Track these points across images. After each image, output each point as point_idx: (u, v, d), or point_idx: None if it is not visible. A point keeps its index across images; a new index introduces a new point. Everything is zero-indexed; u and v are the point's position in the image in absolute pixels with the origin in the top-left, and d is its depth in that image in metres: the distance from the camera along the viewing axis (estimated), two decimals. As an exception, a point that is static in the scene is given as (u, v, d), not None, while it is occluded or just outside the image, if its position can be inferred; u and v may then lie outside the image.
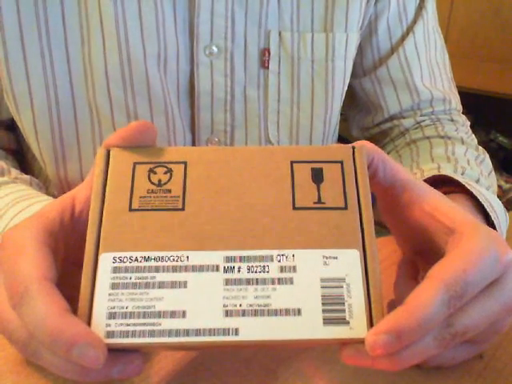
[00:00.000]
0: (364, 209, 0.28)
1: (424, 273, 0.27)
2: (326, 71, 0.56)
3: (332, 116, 0.60)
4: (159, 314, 0.26)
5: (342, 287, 0.26)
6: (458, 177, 0.45)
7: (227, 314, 0.26)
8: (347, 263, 0.27)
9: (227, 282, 0.26)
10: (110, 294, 0.26)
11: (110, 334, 0.25)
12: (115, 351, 0.25)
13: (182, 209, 0.28)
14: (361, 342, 0.25)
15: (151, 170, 0.29)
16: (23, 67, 0.48)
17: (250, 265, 0.27)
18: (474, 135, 0.61)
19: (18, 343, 0.27)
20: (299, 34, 0.54)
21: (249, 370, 0.32)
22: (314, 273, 0.27)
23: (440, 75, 0.63)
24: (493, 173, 0.56)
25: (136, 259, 0.27)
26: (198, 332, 0.25)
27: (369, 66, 0.63)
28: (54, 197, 0.50)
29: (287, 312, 0.26)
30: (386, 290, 0.28)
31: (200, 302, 0.26)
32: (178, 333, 0.25)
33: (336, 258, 0.27)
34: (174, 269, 0.27)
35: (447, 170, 0.48)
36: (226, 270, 0.27)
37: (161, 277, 0.27)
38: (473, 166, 0.51)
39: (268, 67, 0.54)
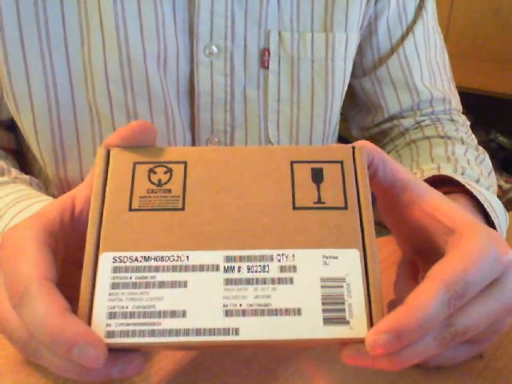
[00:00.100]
0: (364, 209, 0.28)
1: (424, 273, 0.27)
2: (326, 71, 0.56)
3: (332, 116, 0.60)
4: (159, 314, 0.26)
5: (342, 287, 0.26)
6: (457, 177, 0.45)
7: (227, 313, 0.26)
8: (347, 263, 0.27)
9: (227, 281, 0.26)
10: (110, 294, 0.26)
11: (110, 334, 0.25)
12: (115, 351, 0.25)
13: (182, 209, 0.28)
14: (361, 341, 0.25)
15: (151, 170, 0.29)
16: (23, 67, 0.48)
17: (250, 264, 0.27)
18: (473, 135, 0.61)
19: (18, 343, 0.27)
20: (299, 34, 0.54)
21: (249, 369, 0.32)
22: (314, 272, 0.27)
23: (440, 75, 0.63)
24: (493, 173, 0.56)
25: (136, 259, 0.27)
26: (198, 332, 0.25)
27: (369, 66, 0.63)
28: (54, 197, 0.50)
29: (287, 312, 0.26)
30: (386, 289, 0.28)
31: (200, 301, 0.26)
32: (178, 332, 0.25)
33: (336, 257, 0.27)
34: (174, 268, 0.27)
35: (447, 170, 0.48)
36: (226, 270, 0.27)
37: (161, 276, 0.27)
38: (473, 166, 0.51)
39: (268, 67, 0.54)
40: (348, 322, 0.26)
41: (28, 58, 0.48)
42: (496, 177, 0.57)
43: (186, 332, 0.25)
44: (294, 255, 0.27)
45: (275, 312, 0.26)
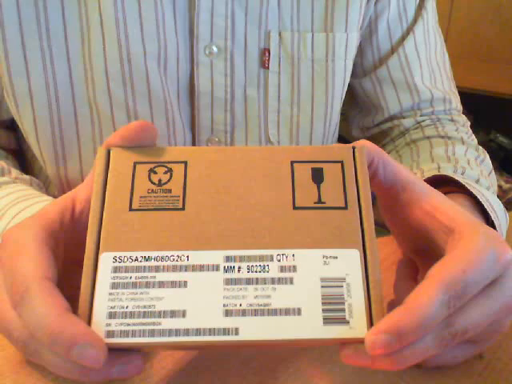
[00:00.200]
0: (364, 209, 0.28)
1: (423, 272, 0.27)
2: (326, 71, 0.56)
3: (332, 116, 0.60)
4: (159, 314, 0.26)
5: (342, 287, 0.26)
6: (458, 177, 0.45)
7: (227, 313, 0.26)
8: (347, 263, 0.27)
9: (227, 281, 0.26)
10: (110, 294, 0.26)
11: (110, 334, 0.25)
12: (115, 351, 0.25)
13: (182, 208, 0.28)
14: (360, 341, 0.25)
15: (151, 170, 0.29)
16: (23, 65, 0.48)
17: (250, 264, 0.27)
18: (474, 135, 0.61)
19: (18, 343, 0.27)
20: (299, 34, 0.54)
21: (249, 369, 0.32)
22: (314, 272, 0.27)
23: (440, 75, 0.63)
24: (493, 173, 0.56)
25: (136, 259, 0.27)
26: (197, 332, 0.25)
27: (369, 66, 0.63)
28: (54, 197, 0.50)
29: (287, 312, 0.26)
30: (385, 289, 0.28)
31: (200, 301, 0.26)
32: (177, 332, 0.25)
33: (336, 257, 0.27)
34: (174, 268, 0.27)
35: (447, 170, 0.48)
36: (226, 270, 0.27)
37: (161, 276, 0.27)
38: (473, 166, 0.51)
39: (268, 67, 0.54)
40: (348, 322, 0.26)
41: (28, 56, 0.48)
42: (496, 177, 0.57)
43: (186, 332, 0.25)
44: (294, 255, 0.27)
45: (275, 312, 0.26)
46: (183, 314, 0.26)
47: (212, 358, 0.32)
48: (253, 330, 0.25)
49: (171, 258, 0.27)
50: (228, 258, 0.27)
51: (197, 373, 0.31)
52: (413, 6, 0.61)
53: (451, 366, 0.31)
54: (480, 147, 0.58)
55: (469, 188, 0.43)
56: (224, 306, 0.26)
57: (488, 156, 0.57)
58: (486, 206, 0.42)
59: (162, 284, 0.26)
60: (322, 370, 0.32)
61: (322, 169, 0.29)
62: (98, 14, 0.47)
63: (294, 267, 0.27)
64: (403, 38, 0.61)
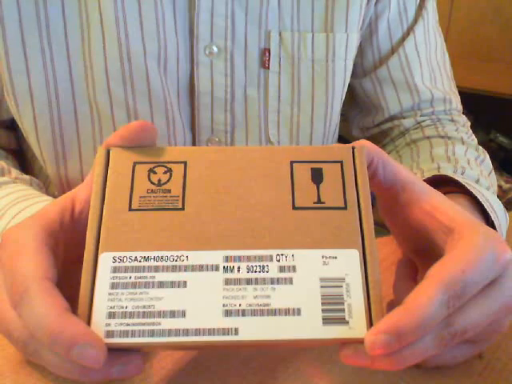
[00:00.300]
0: (364, 209, 0.28)
1: (423, 273, 0.27)
2: (327, 71, 0.56)
3: (332, 116, 0.60)
4: (159, 314, 0.26)
5: (341, 287, 0.26)
6: (457, 177, 0.45)
7: (227, 313, 0.26)
8: (347, 263, 0.27)
9: (227, 281, 0.26)
10: (109, 294, 0.26)
11: (109, 334, 0.25)
12: (115, 351, 0.25)
13: (182, 208, 0.28)
14: (360, 341, 0.25)
15: (151, 170, 0.29)
16: (23, 63, 0.48)
17: (250, 264, 0.27)
18: (474, 135, 0.61)
19: (18, 343, 0.27)
20: (299, 34, 0.54)
21: (249, 369, 0.32)
22: (313, 273, 0.27)
23: (440, 75, 0.63)
24: (493, 173, 0.56)
25: (136, 259, 0.27)
26: (197, 332, 0.25)
27: (369, 66, 0.63)
28: (54, 197, 0.50)
29: (287, 312, 0.26)
30: (385, 290, 0.28)
31: (199, 301, 0.26)
32: (177, 332, 0.25)
33: (336, 257, 0.27)
34: (174, 268, 0.27)
35: (447, 170, 0.48)
36: (225, 270, 0.27)
37: (160, 276, 0.27)
38: (473, 166, 0.51)
39: (268, 67, 0.54)
40: (347, 322, 0.26)
41: (28, 53, 0.48)
42: (496, 177, 0.57)
43: (186, 332, 0.25)
44: (293, 255, 0.27)
45: (274, 312, 0.26)
46: (183, 314, 0.26)
47: (212, 358, 0.32)
48: (252, 330, 0.25)
49: (171, 258, 0.27)
50: (227, 258, 0.27)
51: (197, 373, 0.31)
52: (413, 6, 0.61)
53: (451, 365, 0.31)
54: (480, 147, 0.58)
55: (469, 188, 0.43)
56: (223, 306, 0.26)
57: (488, 156, 0.57)
58: (486, 206, 0.42)
59: (161, 284, 0.26)
60: (322, 370, 0.32)
61: (321, 169, 0.29)
62: (98, 12, 0.47)
63: (294, 267, 0.27)
64: (403, 38, 0.61)
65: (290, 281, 0.27)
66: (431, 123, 0.62)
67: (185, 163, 0.30)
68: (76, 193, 0.30)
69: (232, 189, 0.29)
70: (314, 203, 0.29)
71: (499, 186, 1.50)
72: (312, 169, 0.29)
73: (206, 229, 0.28)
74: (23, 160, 0.60)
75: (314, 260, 0.27)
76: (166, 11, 0.48)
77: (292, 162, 0.30)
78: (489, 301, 0.27)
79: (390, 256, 0.41)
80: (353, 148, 0.30)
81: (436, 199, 0.31)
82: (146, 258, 0.27)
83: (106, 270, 0.27)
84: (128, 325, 0.25)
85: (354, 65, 0.61)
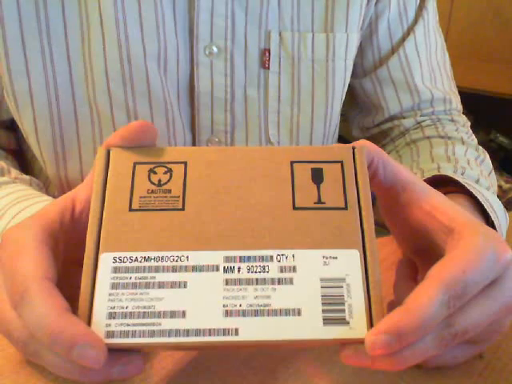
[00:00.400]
0: (364, 209, 0.28)
1: (423, 273, 0.27)
2: (327, 71, 0.56)
3: (332, 116, 0.60)
4: (159, 314, 0.26)
5: (341, 287, 0.26)
6: (457, 177, 0.45)
7: (227, 314, 0.26)
8: (347, 263, 0.27)
9: (227, 282, 0.26)
10: (110, 294, 0.26)
11: (110, 334, 0.25)
12: (115, 351, 0.25)
13: (182, 209, 0.28)
14: (360, 342, 0.25)
15: (151, 170, 0.29)
16: (23, 64, 0.48)
17: (250, 265, 0.27)
18: (474, 135, 0.61)
19: (18, 343, 0.27)
20: (299, 35, 0.54)
21: (249, 369, 0.32)
22: (313, 273, 0.27)
23: (440, 75, 0.63)
24: (493, 173, 0.56)
25: (136, 259, 0.27)
26: (197, 332, 0.25)
27: (369, 67, 0.63)
28: (54, 197, 0.50)
29: (287, 312, 0.26)
30: (385, 290, 0.28)
31: (200, 302, 0.26)
32: (177, 333, 0.25)
33: (336, 258, 0.27)
34: (174, 269, 0.27)
35: (447, 171, 0.48)
36: (225, 270, 0.27)
37: (161, 277, 0.27)
38: (473, 166, 0.51)
39: (268, 67, 0.54)
40: (348, 323, 0.26)
41: (28, 55, 0.48)
42: (496, 177, 0.57)
43: (186, 332, 0.25)
44: (293, 255, 0.27)
45: (275, 312, 0.26)
46: (183, 314, 0.26)
47: (212, 358, 0.32)
48: (253, 330, 0.25)
49: (171, 258, 0.27)
50: (228, 259, 0.27)
51: (197, 373, 0.31)
52: (413, 7, 0.61)
53: (451, 366, 0.31)
54: (480, 147, 0.58)
55: (469, 188, 0.43)
56: (224, 306, 0.26)
57: (488, 156, 0.57)
58: (486, 207, 0.42)
59: (161, 284, 0.26)
60: (322, 370, 0.32)
61: (321, 169, 0.29)
62: (98, 13, 0.47)
63: (294, 267, 0.27)
64: (403, 39, 0.61)
65: (291, 281, 0.27)
66: (431, 123, 0.62)
67: (185, 163, 0.30)
68: (76, 193, 0.30)
69: (232, 189, 0.29)
70: (315, 203, 0.29)
71: (499, 186, 1.50)
72: (312, 169, 0.29)
73: (207, 229, 0.28)
74: (23, 160, 0.60)
75: (315, 260, 0.27)
76: (165, 12, 0.48)
77: (292, 162, 0.30)
78: (489, 301, 0.27)
79: (390, 256, 0.41)
80: (353, 148, 0.30)
81: (436, 199, 0.31)
82: (147, 259, 0.27)
83: (106, 271, 0.27)
84: (128, 325, 0.25)
85: (354, 65, 0.61)
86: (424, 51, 0.62)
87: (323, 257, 0.27)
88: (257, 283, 0.26)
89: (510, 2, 1.49)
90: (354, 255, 0.27)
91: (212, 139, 0.55)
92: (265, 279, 0.27)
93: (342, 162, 0.30)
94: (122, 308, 0.26)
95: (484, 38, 1.56)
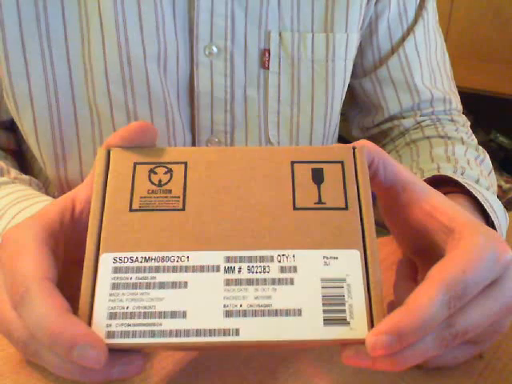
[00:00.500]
0: (364, 209, 0.28)
1: (423, 273, 0.27)
2: (326, 71, 0.56)
3: (332, 116, 0.60)
4: (160, 315, 0.26)
5: (342, 287, 0.26)
6: (457, 177, 0.45)
7: (227, 314, 0.26)
8: (348, 263, 0.27)
9: (228, 282, 0.26)
10: (110, 295, 0.26)
11: (110, 335, 0.25)
12: (116, 351, 0.25)
13: (183, 209, 0.28)
14: (361, 342, 0.25)
15: (151, 171, 0.29)
16: (23, 66, 0.48)
17: (251, 265, 0.27)
18: (473, 135, 0.61)
19: (18, 343, 0.27)
20: (299, 35, 0.54)
21: (249, 369, 0.32)
22: (314, 273, 0.27)
23: (440, 75, 0.63)
24: (493, 173, 0.56)
25: (136, 259, 0.27)
26: (198, 332, 0.25)
27: (369, 67, 0.63)
28: (54, 197, 0.50)
29: (288, 312, 0.26)
30: (386, 290, 0.28)
31: (200, 302, 0.26)
32: (178, 333, 0.25)
33: (336, 258, 0.27)
34: (175, 269, 0.27)
35: (447, 171, 0.48)
36: (226, 271, 0.27)
37: (161, 277, 0.27)
38: (473, 166, 0.51)
39: (268, 67, 0.54)
40: (348, 323, 0.26)
41: (28, 57, 0.48)
42: (496, 177, 0.57)
43: (187, 333, 0.25)
44: (294, 256, 0.27)
45: (275, 313, 0.26)
46: (184, 314, 0.26)
47: (212, 358, 0.32)
48: (253, 330, 0.25)
49: (171, 258, 0.27)
50: (228, 259, 0.27)
51: (197, 373, 0.31)
52: (413, 6, 0.61)
53: (452, 366, 0.31)
54: (480, 147, 0.58)
55: (468, 188, 0.43)
56: (224, 306, 0.26)
57: (488, 156, 0.57)
58: (486, 207, 0.42)
59: (162, 285, 0.26)
60: (322, 370, 0.32)
61: (322, 169, 0.29)
62: (98, 16, 0.47)
63: (295, 268, 0.27)
64: (403, 38, 0.61)
65: (291, 281, 0.27)
66: (431, 123, 0.62)
67: (185, 164, 0.30)
68: (76, 193, 0.30)
69: (232, 189, 0.29)
70: (315, 203, 0.29)
71: (499, 186, 1.50)
72: (313, 169, 0.29)
73: (207, 229, 0.28)
74: (22, 161, 0.60)
75: (315, 260, 0.27)
76: (165, 12, 0.48)
77: (293, 163, 0.30)
78: (489, 301, 0.27)
79: (390, 256, 0.41)
80: (353, 148, 0.30)
81: (436, 199, 0.31)
82: (147, 259, 0.27)
83: (106, 271, 0.27)
84: (129, 325, 0.25)
85: (354, 65, 0.61)
86: (424, 51, 0.62)
87: (324, 257, 0.27)
88: (257, 283, 0.26)
89: (510, 1, 1.49)
90: (355, 255, 0.27)
91: (212, 139, 0.55)
92: (265, 279, 0.27)
93: (342, 162, 0.30)
94: (123, 308, 0.26)
95: (484, 38, 1.56)
